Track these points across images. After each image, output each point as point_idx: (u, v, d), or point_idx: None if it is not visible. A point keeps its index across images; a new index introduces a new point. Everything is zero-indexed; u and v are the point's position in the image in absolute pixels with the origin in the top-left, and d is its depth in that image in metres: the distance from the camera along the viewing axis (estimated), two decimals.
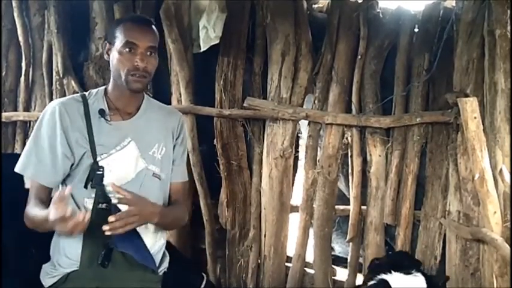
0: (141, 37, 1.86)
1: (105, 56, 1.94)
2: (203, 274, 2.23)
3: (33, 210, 1.80)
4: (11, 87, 3.34)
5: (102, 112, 1.90)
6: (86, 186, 1.85)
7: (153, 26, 1.96)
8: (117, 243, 1.81)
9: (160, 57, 3.00)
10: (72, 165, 1.87)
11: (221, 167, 2.99)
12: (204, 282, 2.19)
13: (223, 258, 3.14)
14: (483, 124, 2.22)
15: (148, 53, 1.87)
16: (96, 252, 1.81)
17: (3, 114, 3.27)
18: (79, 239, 1.82)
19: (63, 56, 3.13)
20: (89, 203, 1.85)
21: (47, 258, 1.94)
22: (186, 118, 2.94)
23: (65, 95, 3.15)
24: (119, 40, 1.86)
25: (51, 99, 3.23)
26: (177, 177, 2.11)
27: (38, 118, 3.19)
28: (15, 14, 3.21)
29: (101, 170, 1.85)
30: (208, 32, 2.86)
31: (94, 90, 1.99)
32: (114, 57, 1.88)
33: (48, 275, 1.90)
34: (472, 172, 2.30)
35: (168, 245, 2.16)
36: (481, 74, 2.44)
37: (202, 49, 2.90)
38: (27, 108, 3.31)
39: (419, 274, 2.28)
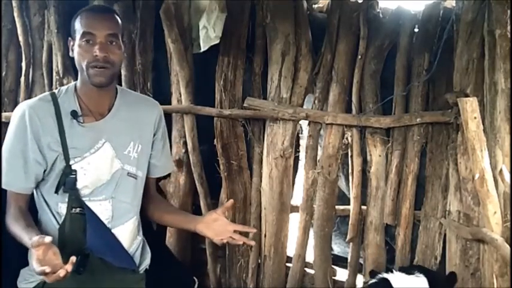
0: (98, 26, 1.76)
1: (70, 53, 1.84)
2: (195, 278, 2.22)
3: (14, 228, 1.73)
4: (11, 87, 3.32)
5: (74, 114, 1.81)
6: (57, 191, 1.80)
7: (114, 14, 1.87)
8: (93, 249, 1.77)
9: (161, 57, 3.05)
10: (45, 170, 1.81)
11: (221, 167, 2.99)
12: (195, 287, 2.18)
13: (224, 258, 3.14)
14: (483, 124, 2.22)
15: (109, 42, 1.77)
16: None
17: (3, 114, 3.26)
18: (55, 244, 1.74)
19: (63, 56, 3.12)
20: (63, 208, 1.80)
21: None
22: (186, 118, 2.95)
23: None
24: (78, 33, 1.77)
25: None
26: (158, 173, 2.09)
27: None
28: (15, 14, 3.20)
29: (74, 173, 1.78)
30: (208, 32, 2.86)
31: (63, 88, 1.91)
32: (75, 51, 1.79)
33: (26, 280, 1.85)
34: (472, 172, 2.30)
35: (163, 247, 2.14)
36: (481, 74, 2.44)
37: (202, 49, 2.90)
38: None
39: (421, 275, 2.27)
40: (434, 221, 2.73)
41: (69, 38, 1.85)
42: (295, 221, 3.04)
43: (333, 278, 3.02)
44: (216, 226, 1.89)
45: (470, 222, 2.48)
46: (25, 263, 1.89)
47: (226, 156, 2.99)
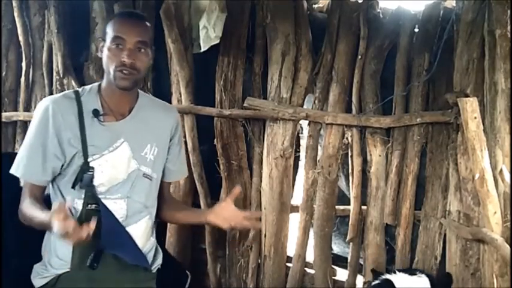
0: (129, 32, 1.81)
1: (99, 54, 1.89)
2: (187, 272, 2.24)
3: (30, 210, 1.78)
4: (11, 87, 3.33)
5: (96, 112, 1.86)
6: (73, 187, 1.83)
7: (145, 21, 1.91)
8: (106, 245, 1.79)
9: (161, 57, 3.05)
10: (63, 165, 1.84)
11: (221, 167, 2.99)
12: (188, 281, 2.20)
13: (224, 258, 3.14)
14: (483, 124, 2.21)
15: (138, 49, 1.82)
16: (87, 253, 1.79)
17: (4, 114, 3.27)
18: None
19: (63, 56, 3.13)
20: (79, 204, 1.83)
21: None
22: (186, 118, 2.95)
23: None
24: (109, 36, 1.82)
25: None
26: (173, 177, 2.14)
27: None
28: (16, 14, 3.21)
29: (91, 170, 1.82)
30: (209, 32, 2.86)
31: (87, 87, 1.95)
32: (104, 53, 1.84)
33: (39, 275, 1.88)
34: (472, 172, 2.30)
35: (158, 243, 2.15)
36: (481, 74, 2.44)
37: (203, 49, 2.90)
38: (27, 108, 3.31)
39: (423, 275, 2.29)
40: (435, 221, 2.73)
41: (100, 39, 1.92)
42: (295, 221, 3.04)
43: (333, 278, 3.02)
44: (225, 214, 1.93)
45: (470, 222, 2.48)
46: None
47: (226, 156, 2.99)
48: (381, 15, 2.92)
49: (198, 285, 3.22)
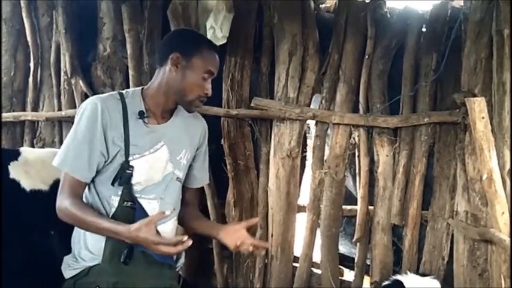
0: (216, 68, 1.96)
1: (173, 68, 1.91)
2: None
3: (81, 213, 1.80)
4: (19, 87, 3.35)
5: (141, 114, 1.92)
6: (113, 184, 1.88)
7: None
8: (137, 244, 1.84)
9: None
10: (105, 162, 1.90)
11: (228, 166, 2.99)
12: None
13: (230, 258, 3.15)
14: (491, 124, 2.21)
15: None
16: (118, 248, 1.84)
17: (12, 114, 3.29)
18: None
19: (71, 56, 3.15)
20: (115, 201, 1.89)
21: (64, 239, 1.99)
22: None
23: (73, 95, 3.18)
24: (201, 65, 1.90)
25: (59, 99, 3.25)
26: (197, 184, 2.20)
27: (46, 118, 3.23)
28: (24, 15, 3.24)
29: (131, 169, 1.88)
30: (216, 32, 2.86)
31: (130, 90, 2.01)
32: (186, 75, 1.90)
33: (70, 267, 1.94)
34: (480, 172, 2.29)
35: None
36: (489, 74, 2.43)
37: None
38: (35, 108, 3.33)
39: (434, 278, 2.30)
40: (442, 222, 2.72)
41: (177, 54, 1.91)
42: (302, 221, 3.04)
43: (340, 278, 3.02)
44: (235, 237, 1.97)
45: (478, 223, 2.47)
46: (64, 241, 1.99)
47: (233, 156, 2.99)
48: (388, 15, 2.91)
49: (205, 285, 3.24)
